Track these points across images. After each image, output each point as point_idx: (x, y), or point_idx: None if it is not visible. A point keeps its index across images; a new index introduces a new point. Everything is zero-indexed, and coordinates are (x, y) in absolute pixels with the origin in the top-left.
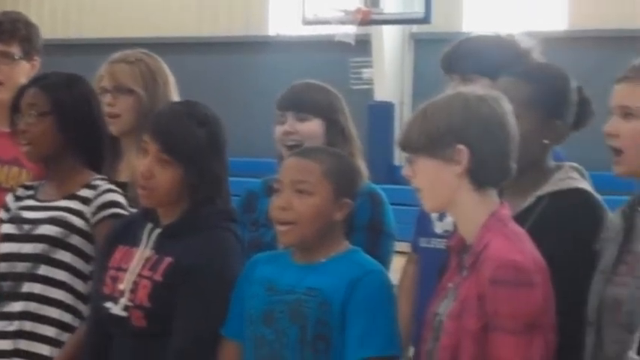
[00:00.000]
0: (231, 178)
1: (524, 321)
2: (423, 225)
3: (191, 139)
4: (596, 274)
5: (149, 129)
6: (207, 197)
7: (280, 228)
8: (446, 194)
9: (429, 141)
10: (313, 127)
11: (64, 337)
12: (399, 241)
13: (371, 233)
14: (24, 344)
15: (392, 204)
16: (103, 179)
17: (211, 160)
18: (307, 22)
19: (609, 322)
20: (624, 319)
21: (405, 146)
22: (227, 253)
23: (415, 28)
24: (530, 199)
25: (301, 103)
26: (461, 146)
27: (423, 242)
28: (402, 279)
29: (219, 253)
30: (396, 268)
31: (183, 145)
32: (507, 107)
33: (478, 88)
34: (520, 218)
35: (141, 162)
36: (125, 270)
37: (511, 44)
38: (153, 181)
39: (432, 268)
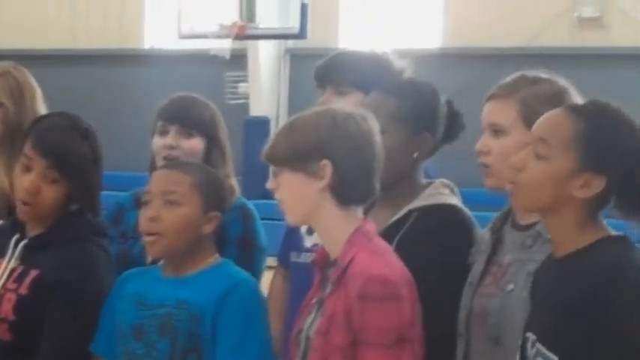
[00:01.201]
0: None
1: (392, 335)
2: (292, 239)
3: (78, 154)
4: (465, 286)
5: (34, 145)
6: (78, 210)
7: (148, 239)
8: (308, 208)
9: (294, 155)
10: (196, 144)
11: None
12: (271, 255)
13: (243, 248)
14: None
15: (267, 219)
16: None
17: (93, 174)
18: (183, 36)
19: (477, 334)
20: (491, 330)
21: (270, 159)
22: (95, 268)
23: (291, 44)
24: (400, 214)
25: (187, 118)
26: (325, 161)
27: (294, 257)
28: (270, 293)
29: (86, 267)
30: (269, 282)
31: (71, 161)
32: (374, 126)
33: (347, 105)
34: (389, 232)
35: (25, 178)
36: None
37: (385, 60)
38: (38, 198)
39: (303, 283)
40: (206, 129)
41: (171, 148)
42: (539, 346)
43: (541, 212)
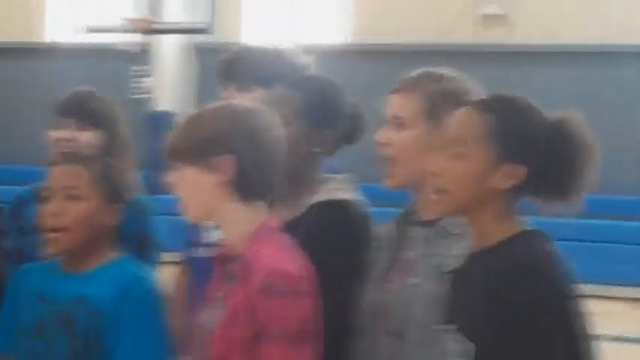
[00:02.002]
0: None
1: (294, 330)
2: (192, 234)
3: None
4: (368, 281)
5: None
6: None
7: (51, 235)
8: (208, 203)
9: (194, 149)
10: (92, 136)
11: None
12: (173, 251)
13: (140, 243)
14: None
15: (170, 214)
16: None
17: None
18: (89, 30)
19: (380, 328)
20: (395, 324)
21: (170, 153)
22: None
23: (197, 38)
24: (300, 209)
25: (83, 111)
26: (226, 156)
27: (193, 252)
28: (173, 288)
29: None
30: (166, 277)
31: None
32: (275, 120)
33: (250, 99)
34: (290, 227)
35: None
36: None
37: (288, 56)
38: None
39: (203, 278)
40: (104, 122)
41: (68, 141)
42: (458, 335)
43: (467, 211)
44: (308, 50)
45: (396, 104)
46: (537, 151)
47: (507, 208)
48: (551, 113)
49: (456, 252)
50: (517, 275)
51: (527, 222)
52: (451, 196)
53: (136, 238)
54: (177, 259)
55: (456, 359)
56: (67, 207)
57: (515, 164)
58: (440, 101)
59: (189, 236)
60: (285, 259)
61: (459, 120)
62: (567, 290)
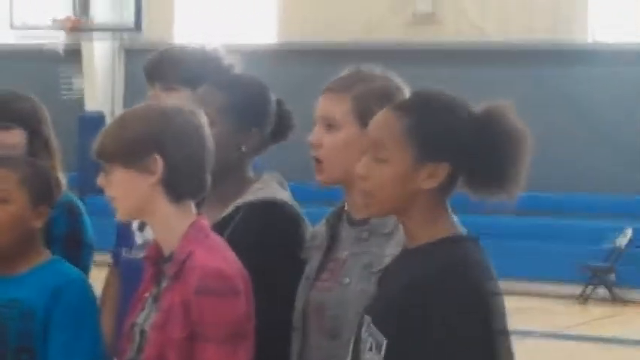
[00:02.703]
0: None
1: (229, 329)
2: (123, 236)
3: None
4: (301, 280)
5: None
6: None
7: None
8: (140, 204)
9: (124, 150)
10: (15, 137)
11: None
12: (103, 251)
13: (69, 244)
14: None
15: (102, 215)
16: None
17: None
18: (15, 28)
19: (314, 328)
20: (328, 324)
21: (100, 155)
22: None
23: (126, 39)
24: (229, 209)
25: (6, 112)
26: (156, 156)
27: (124, 252)
28: (104, 290)
29: None
30: (97, 279)
31: None
32: (203, 120)
33: (176, 99)
34: (219, 227)
35: None
36: None
37: (213, 56)
38: None
39: (134, 279)
40: (26, 122)
41: None
42: (372, 327)
43: (395, 212)
44: (235, 50)
45: (327, 105)
46: (460, 147)
47: (436, 207)
48: (478, 106)
49: (389, 251)
50: (438, 279)
51: (458, 223)
52: (377, 199)
53: (65, 238)
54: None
55: (368, 353)
56: None
57: (437, 163)
58: (370, 102)
59: (119, 237)
60: (220, 258)
61: (376, 123)
62: (488, 298)
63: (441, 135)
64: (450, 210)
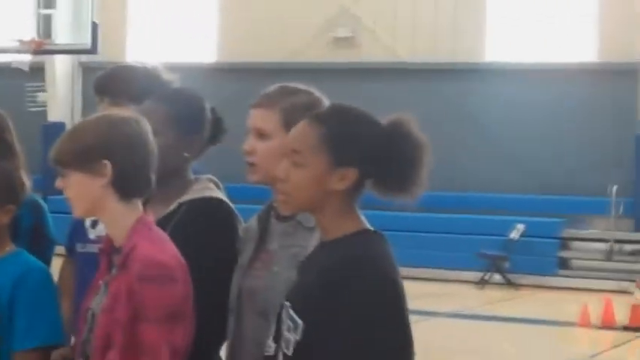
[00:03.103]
0: None
1: (167, 312)
2: (78, 231)
3: None
4: (236, 268)
5: None
6: None
7: None
8: (92, 203)
9: (77, 157)
10: None
11: None
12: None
13: (33, 238)
14: None
15: (63, 213)
16: None
17: None
18: None
19: (247, 310)
20: (260, 306)
21: (56, 162)
22: None
23: (84, 58)
24: (172, 206)
25: None
26: (105, 161)
27: (79, 247)
28: (60, 278)
29: None
30: (57, 268)
31: None
32: (147, 127)
33: (123, 110)
34: (163, 222)
35: None
36: None
37: (155, 74)
38: None
39: (89, 270)
40: None
41: None
42: (291, 312)
43: (310, 209)
44: (178, 67)
45: (258, 117)
46: (367, 155)
47: (346, 206)
48: (385, 118)
49: (312, 243)
50: (347, 269)
51: (364, 219)
52: (294, 198)
53: (30, 233)
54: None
55: (287, 334)
56: None
57: (347, 168)
58: (295, 114)
59: (73, 233)
60: (160, 250)
61: (295, 132)
62: (390, 284)
63: (350, 144)
64: (357, 208)
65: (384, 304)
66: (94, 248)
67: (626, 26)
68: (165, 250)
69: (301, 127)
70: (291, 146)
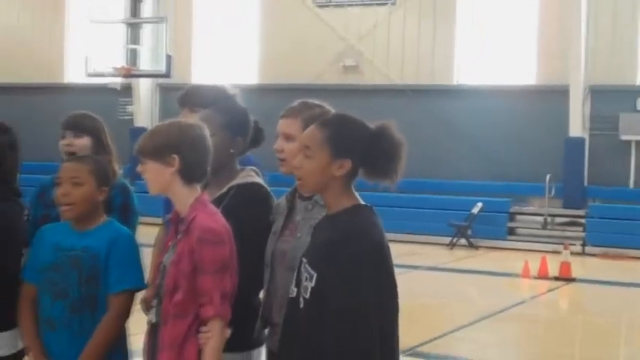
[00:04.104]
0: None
1: (218, 266)
2: (166, 206)
3: None
4: (270, 235)
5: None
6: (2, 181)
7: (63, 208)
8: (163, 185)
9: (154, 150)
10: (84, 142)
11: None
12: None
13: (123, 213)
14: None
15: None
16: None
17: (10, 156)
18: (89, 75)
19: (279, 266)
20: (288, 263)
21: (138, 153)
22: (15, 218)
23: (160, 80)
24: (224, 189)
25: (77, 125)
26: (174, 155)
27: (167, 217)
28: (156, 239)
29: (10, 217)
30: (145, 234)
31: None
32: (207, 131)
33: (191, 118)
34: (218, 201)
35: None
36: None
37: (221, 90)
38: None
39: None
40: (92, 132)
41: (68, 145)
42: (307, 266)
43: (318, 190)
44: (233, 86)
45: (285, 125)
46: (358, 150)
47: (344, 187)
48: (374, 123)
49: None
50: (346, 234)
51: (359, 197)
52: (306, 181)
53: (121, 208)
54: (149, 221)
55: (304, 282)
56: (72, 190)
57: (344, 159)
58: (313, 122)
59: (165, 207)
60: (213, 220)
61: (307, 133)
62: (380, 244)
63: (346, 141)
64: (353, 189)
65: (373, 258)
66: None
67: (559, 56)
68: (216, 220)
69: (311, 129)
70: (303, 143)
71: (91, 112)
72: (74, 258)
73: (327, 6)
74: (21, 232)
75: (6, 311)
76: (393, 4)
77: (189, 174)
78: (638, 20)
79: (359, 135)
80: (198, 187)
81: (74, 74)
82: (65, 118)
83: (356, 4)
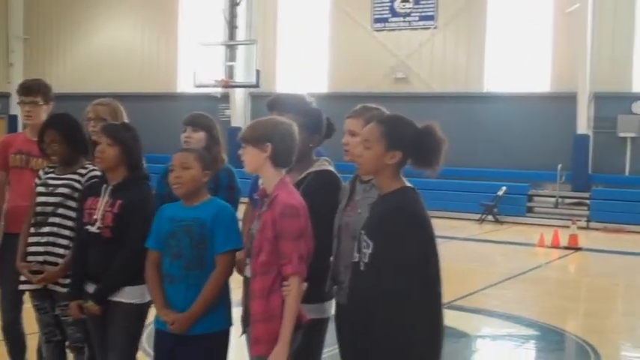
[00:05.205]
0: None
1: (295, 234)
2: (254, 186)
3: (124, 135)
4: (338, 211)
5: (104, 132)
6: (135, 168)
7: (175, 187)
8: (256, 166)
9: (253, 138)
10: (200, 135)
11: (70, 245)
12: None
13: (229, 191)
14: (50, 249)
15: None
16: (89, 164)
17: (135, 148)
18: (196, 86)
19: (344, 235)
20: (351, 233)
21: (241, 139)
22: (148, 198)
23: (251, 90)
24: (303, 174)
25: (195, 122)
26: (268, 144)
27: (255, 195)
28: (244, 214)
29: (144, 197)
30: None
31: (120, 137)
32: (295, 128)
33: (284, 118)
34: (298, 184)
35: (99, 148)
36: (95, 209)
37: (301, 98)
38: (104, 156)
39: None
40: (206, 128)
41: (188, 138)
42: (365, 237)
43: (373, 174)
44: (310, 95)
45: (350, 124)
46: (407, 144)
47: (394, 173)
48: (421, 123)
49: None
50: (395, 211)
51: (406, 180)
52: (364, 168)
53: (227, 187)
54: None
55: (363, 249)
56: (183, 173)
57: (395, 151)
58: (371, 121)
59: (252, 187)
60: (292, 197)
61: (367, 129)
62: (423, 218)
63: (398, 137)
64: (402, 175)
65: (419, 230)
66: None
67: (569, 68)
68: (295, 197)
69: (370, 125)
70: (364, 137)
71: (206, 113)
72: (186, 227)
73: (383, 30)
74: (155, 208)
75: (138, 270)
76: (435, 27)
77: (278, 160)
78: (634, 38)
79: (409, 132)
80: (283, 171)
81: (184, 85)
82: (186, 117)
83: (405, 29)
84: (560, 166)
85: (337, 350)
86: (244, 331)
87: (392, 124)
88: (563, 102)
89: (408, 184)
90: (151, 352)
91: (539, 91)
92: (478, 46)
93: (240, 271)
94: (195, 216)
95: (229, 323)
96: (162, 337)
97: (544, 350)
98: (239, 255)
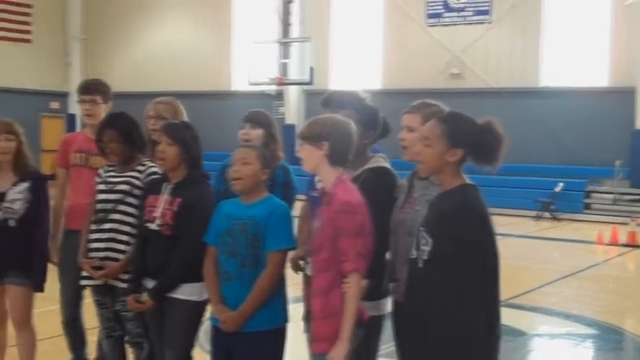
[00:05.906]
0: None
1: (353, 231)
2: (311, 183)
3: (184, 134)
4: (394, 207)
5: (165, 132)
6: (195, 167)
7: (233, 182)
8: (314, 164)
9: (311, 136)
10: (258, 132)
11: (131, 241)
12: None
13: (285, 188)
14: (111, 245)
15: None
16: (148, 161)
17: (195, 146)
18: (251, 84)
19: (401, 232)
20: (408, 229)
21: (300, 137)
22: (207, 196)
23: (305, 87)
24: (359, 171)
25: (254, 119)
26: (325, 142)
27: (312, 193)
28: (302, 211)
29: (204, 196)
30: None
31: (180, 136)
32: (353, 127)
33: (340, 115)
34: (355, 179)
35: (159, 147)
36: (155, 206)
37: (355, 94)
38: (165, 155)
39: (314, 205)
40: (264, 125)
41: (246, 134)
42: (424, 233)
43: (435, 172)
44: (365, 91)
45: (408, 119)
46: (468, 141)
47: (456, 170)
48: (480, 120)
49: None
50: (456, 207)
51: (467, 177)
52: (425, 165)
53: (283, 184)
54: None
55: (422, 246)
56: (242, 169)
57: (456, 149)
58: (430, 117)
59: (309, 184)
60: (350, 195)
61: (427, 126)
62: (484, 216)
63: (459, 135)
64: (463, 172)
65: (480, 228)
66: (316, 193)
67: (627, 62)
68: (352, 195)
69: (431, 123)
70: (424, 134)
71: (265, 110)
72: (242, 225)
73: (437, 25)
74: (214, 206)
75: (196, 267)
76: (490, 22)
77: (335, 158)
78: None
79: (470, 130)
80: (340, 169)
81: (239, 83)
82: (245, 114)
83: (460, 24)
84: (618, 162)
85: (393, 348)
86: (307, 329)
87: (453, 121)
88: (621, 96)
89: (469, 182)
90: (208, 348)
91: (596, 86)
92: (533, 41)
93: (296, 270)
94: (251, 215)
95: (285, 320)
96: (218, 333)
97: (602, 349)
98: (292, 254)
